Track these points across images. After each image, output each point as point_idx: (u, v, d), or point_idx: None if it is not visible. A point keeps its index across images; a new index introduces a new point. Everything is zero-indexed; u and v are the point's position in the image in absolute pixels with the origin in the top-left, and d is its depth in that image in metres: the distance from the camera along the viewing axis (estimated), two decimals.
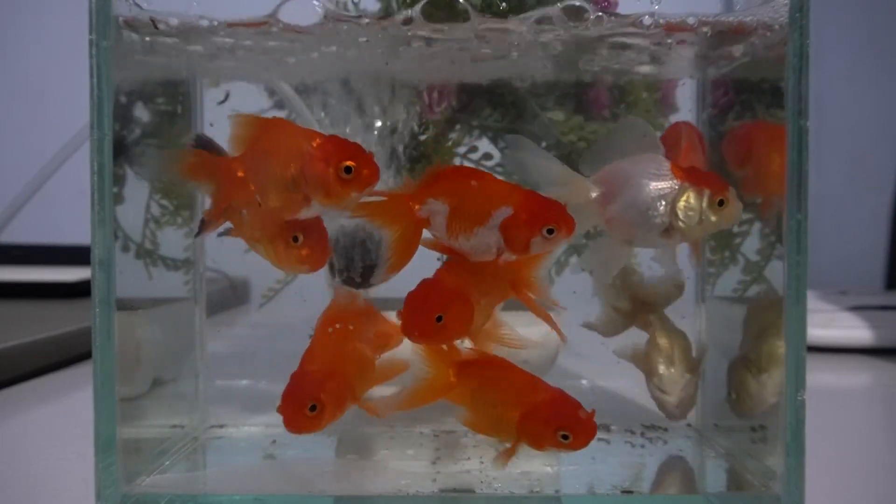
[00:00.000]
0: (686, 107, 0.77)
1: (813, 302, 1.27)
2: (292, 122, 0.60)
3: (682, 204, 0.59)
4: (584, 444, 0.55)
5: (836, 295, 1.43)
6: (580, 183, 0.61)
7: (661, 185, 0.59)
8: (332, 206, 0.56)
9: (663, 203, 0.59)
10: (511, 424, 0.56)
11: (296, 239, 0.59)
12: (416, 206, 0.57)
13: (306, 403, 0.56)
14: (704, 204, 0.58)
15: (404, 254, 0.58)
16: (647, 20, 0.62)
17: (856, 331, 1.24)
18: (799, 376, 0.55)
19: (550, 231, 0.55)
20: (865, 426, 0.88)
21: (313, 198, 0.56)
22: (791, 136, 0.55)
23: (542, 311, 0.60)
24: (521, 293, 0.60)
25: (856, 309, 1.30)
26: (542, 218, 0.55)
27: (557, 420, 0.55)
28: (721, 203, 0.59)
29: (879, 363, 1.18)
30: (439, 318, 0.55)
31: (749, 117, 0.68)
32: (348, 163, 0.54)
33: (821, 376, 1.07)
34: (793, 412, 0.55)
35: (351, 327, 0.62)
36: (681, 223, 0.59)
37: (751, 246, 0.70)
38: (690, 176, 0.60)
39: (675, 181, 0.59)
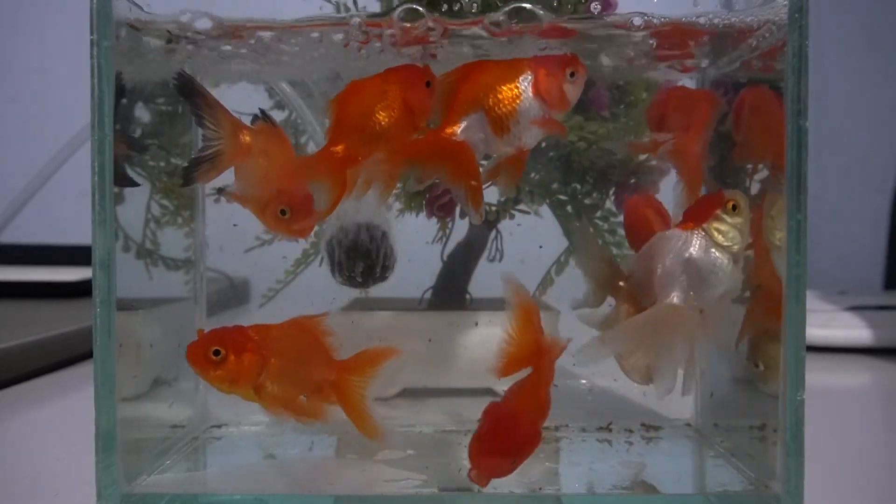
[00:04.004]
0: None
1: (812, 302, 1.26)
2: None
3: (718, 238, 0.59)
4: None
5: (836, 295, 1.43)
6: (671, 306, 0.61)
7: (691, 249, 0.60)
8: (426, 118, 0.59)
9: (712, 257, 0.59)
10: None
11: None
12: (453, 130, 0.57)
13: (211, 346, 0.56)
14: (728, 220, 0.59)
15: (471, 181, 0.58)
16: (637, 20, 0.62)
17: (855, 331, 1.24)
18: (799, 376, 0.55)
19: (572, 74, 0.58)
20: (865, 426, 0.88)
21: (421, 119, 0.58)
22: (791, 136, 0.55)
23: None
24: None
25: (855, 309, 1.30)
26: (561, 64, 0.58)
27: None
28: (734, 207, 0.59)
29: (879, 363, 1.18)
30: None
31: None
32: (428, 78, 0.58)
33: (820, 376, 1.07)
34: (792, 412, 0.55)
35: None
36: (735, 247, 0.59)
37: None
38: (694, 216, 0.60)
39: (693, 234, 0.60)
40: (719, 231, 0.60)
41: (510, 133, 0.57)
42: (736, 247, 0.60)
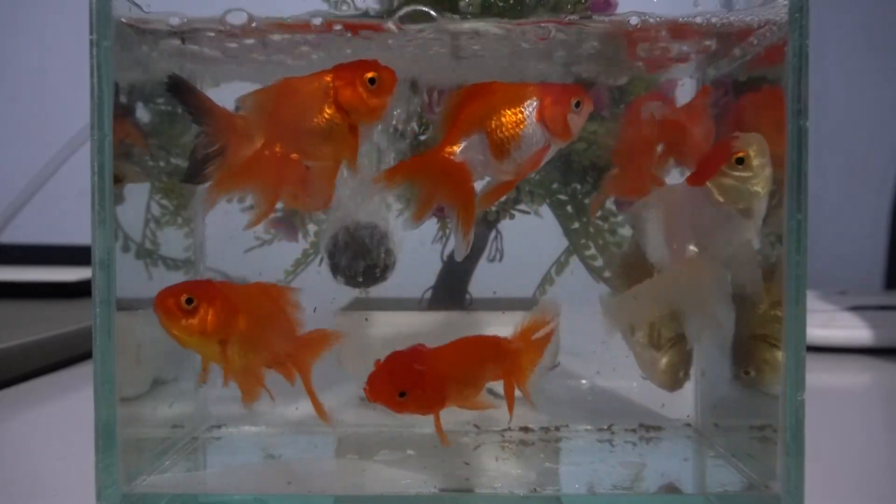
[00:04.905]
0: None
1: (813, 302, 1.27)
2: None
3: (721, 197, 0.59)
4: None
5: (836, 295, 1.43)
6: (695, 261, 0.61)
7: (702, 206, 0.59)
8: (372, 118, 0.57)
9: (721, 214, 0.59)
10: None
11: None
12: (453, 149, 0.57)
13: (182, 294, 0.55)
14: (735, 175, 0.59)
15: (466, 205, 0.57)
16: (634, 20, 0.62)
17: (855, 331, 1.24)
18: (799, 376, 0.55)
19: (578, 104, 0.57)
20: (865, 426, 0.88)
21: (360, 119, 0.57)
22: (791, 136, 0.55)
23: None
24: (508, 383, 0.62)
25: (855, 309, 1.30)
26: (567, 93, 0.57)
27: None
28: (740, 160, 0.58)
29: (879, 363, 1.18)
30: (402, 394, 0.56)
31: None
32: (372, 74, 0.56)
33: (820, 376, 1.07)
34: (792, 412, 0.55)
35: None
36: (742, 203, 0.59)
37: None
38: (701, 170, 0.60)
39: (701, 191, 0.59)
40: (722, 189, 0.59)
41: (510, 157, 0.57)
42: (742, 203, 0.59)
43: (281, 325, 0.60)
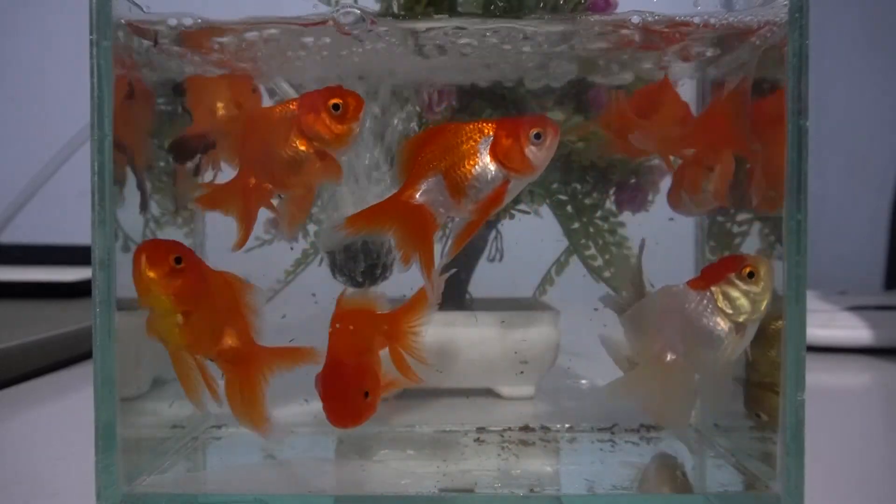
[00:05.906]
0: None
1: (812, 302, 1.27)
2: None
3: (722, 304, 0.58)
4: None
5: (836, 295, 1.43)
6: (661, 363, 0.60)
7: (699, 310, 0.59)
8: (337, 145, 0.58)
9: (716, 323, 0.58)
10: None
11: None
12: (411, 193, 0.57)
13: (172, 252, 0.54)
14: (741, 287, 0.58)
15: (425, 250, 0.57)
16: (635, 19, 0.62)
17: (855, 331, 1.24)
18: (799, 376, 0.55)
19: (538, 136, 0.56)
20: (865, 426, 0.88)
21: (326, 146, 0.57)
22: (791, 136, 0.55)
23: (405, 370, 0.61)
24: (393, 345, 0.61)
25: (855, 309, 1.30)
26: (526, 126, 0.56)
27: None
28: (751, 275, 0.58)
29: (879, 363, 1.18)
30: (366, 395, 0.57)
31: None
32: (335, 100, 0.57)
33: (820, 376, 1.07)
34: (792, 412, 0.55)
35: None
36: (741, 317, 0.58)
37: (751, 246, 0.70)
38: (708, 279, 0.59)
39: (702, 295, 0.59)
40: (726, 297, 0.58)
41: (467, 196, 0.56)
42: (742, 317, 0.58)
43: (237, 322, 0.58)
